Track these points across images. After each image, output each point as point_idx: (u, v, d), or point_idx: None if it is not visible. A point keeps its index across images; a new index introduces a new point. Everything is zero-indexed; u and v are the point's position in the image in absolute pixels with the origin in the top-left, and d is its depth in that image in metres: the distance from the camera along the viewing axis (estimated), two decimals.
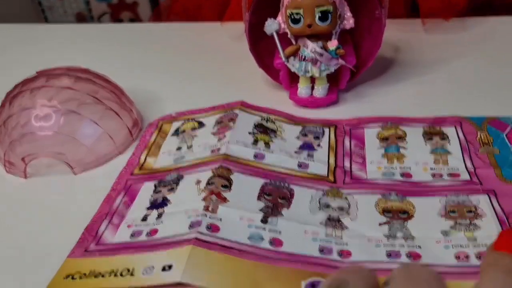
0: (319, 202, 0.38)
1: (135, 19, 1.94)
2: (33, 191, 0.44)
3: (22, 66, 0.53)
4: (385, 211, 0.37)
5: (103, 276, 0.33)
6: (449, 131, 0.44)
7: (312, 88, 0.51)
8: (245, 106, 0.49)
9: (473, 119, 0.45)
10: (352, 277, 0.24)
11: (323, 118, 0.49)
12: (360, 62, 0.51)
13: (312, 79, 0.50)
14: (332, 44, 0.46)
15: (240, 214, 0.36)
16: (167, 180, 0.42)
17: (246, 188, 0.39)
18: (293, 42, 0.48)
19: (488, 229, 0.34)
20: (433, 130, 0.44)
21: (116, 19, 1.96)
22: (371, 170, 0.41)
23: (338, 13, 0.46)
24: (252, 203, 0.37)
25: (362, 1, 0.49)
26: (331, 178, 0.41)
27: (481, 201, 0.36)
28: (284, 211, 0.37)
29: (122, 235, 0.37)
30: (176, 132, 0.49)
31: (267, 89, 0.55)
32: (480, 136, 0.43)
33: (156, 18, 1.00)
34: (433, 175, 0.40)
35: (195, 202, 0.37)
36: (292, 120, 0.49)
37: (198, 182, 0.40)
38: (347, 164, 0.42)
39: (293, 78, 0.51)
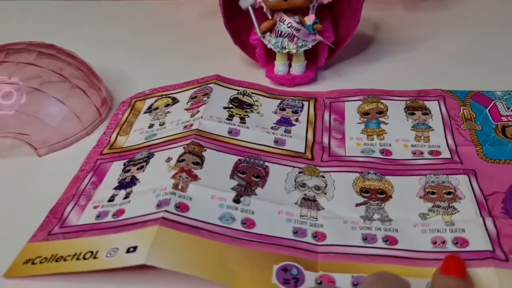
0: (295, 181, 0.36)
1: None
2: None
3: None
4: (362, 191, 0.35)
5: (65, 260, 0.31)
6: (432, 105, 0.42)
7: (290, 65, 0.48)
8: (220, 80, 0.47)
9: (456, 93, 0.43)
10: None
11: (302, 91, 0.47)
12: (338, 38, 0.49)
13: (289, 56, 0.48)
14: (309, 19, 0.44)
15: (211, 193, 0.34)
16: (137, 158, 0.40)
17: (218, 166, 0.37)
18: (269, 17, 0.46)
19: (466, 213, 0.33)
20: (415, 104, 0.43)
21: None
22: (350, 146, 0.40)
23: None
24: (225, 181, 0.36)
25: None
26: (308, 155, 0.39)
27: (461, 182, 0.35)
28: (258, 190, 0.35)
29: (87, 216, 0.35)
30: (149, 109, 0.47)
31: (243, 67, 0.53)
32: (463, 112, 0.41)
33: None
34: (414, 153, 0.38)
35: (164, 180, 0.35)
36: (270, 93, 0.47)
37: (169, 159, 0.38)
38: (325, 140, 0.41)
39: (270, 56, 0.49)
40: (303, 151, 0.39)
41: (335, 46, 0.49)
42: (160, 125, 0.44)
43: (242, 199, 0.34)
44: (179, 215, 0.32)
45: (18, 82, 0.41)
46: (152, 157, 0.39)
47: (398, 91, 0.45)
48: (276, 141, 0.40)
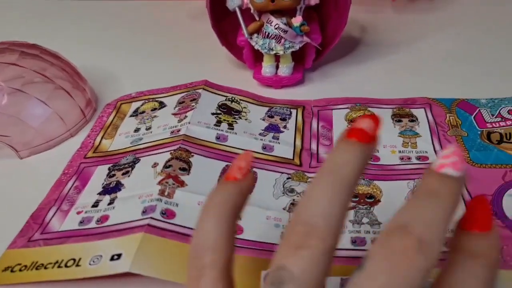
0: (283, 186, 0.36)
1: None
2: None
3: None
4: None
5: (45, 267, 0.30)
6: (418, 112, 0.43)
7: (277, 67, 0.48)
8: (209, 85, 0.47)
9: (442, 101, 0.43)
10: (298, 264, 0.18)
11: (290, 99, 0.47)
12: (326, 40, 0.49)
13: (277, 58, 0.48)
14: (296, 20, 0.44)
15: (198, 199, 0.34)
16: (122, 163, 0.39)
17: (205, 172, 0.36)
18: (257, 18, 0.46)
19: (455, 216, 0.32)
20: (402, 112, 0.43)
21: None
22: None
23: None
24: (212, 187, 0.35)
25: None
26: (296, 161, 0.39)
27: None
28: None
29: (70, 222, 0.34)
30: (135, 113, 0.46)
31: (230, 68, 0.53)
32: (449, 119, 0.41)
33: None
34: (401, 158, 0.38)
35: (150, 186, 0.35)
36: (259, 101, 0.46)
37: (155, 165, 0.37)
38: (314, 146, 0.40)
39: (257, 57, 0.49)
40: (291, 157, 0.39)
41: (323, 48, 0.49)
42: (147, 129, 0.43)
43: None
44: (165, 221, 0.32)
45: None
46: (138, 162, 0.38)
47: (385, 99, 0.45)
48: (264, 147, 0.40)
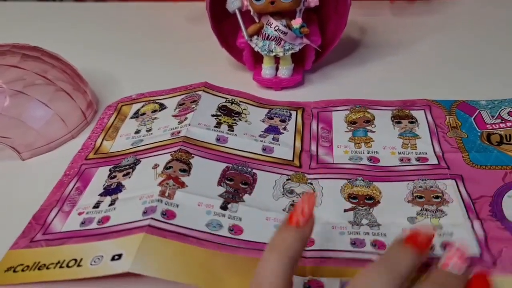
0: (283, 188, 0.36)
1: None
2: None
3: None
4: (350, 197, 0.35)
5: (47, 268, 0.30)
6: (418, 114, 0.43)
7: (277, 68, 0.49)
8: (209, 87, 0.47)
9: (441, 103, 0.44)
10: None
11: (290, 101, 0.47)
12: (326, 42, 0.49)
13: (277, 59, 0.48)
14: (296, 22, 0.44)
15: (199, 200, 0.34)
16: (123, 164, 0.39)
17: (206, 173, 0.37)
18: (256, 20, 0.46)
19: (454, 216, 0.33)
20: (401, 114, 0.43)
21: None
22: (338, 154, 0.40)
23: None
24: (212, 188, 0.35)
25: None
26: (296, 162, 0.39)
27: (448, 187, 0.35)
28: (246, 197, 0.35)
29: (72, 223, 0.34)
30: (136, 115, 0.46)
31: (230, 70, 0.53)
32: (449, 120, 0.42)
33: None
34: (401, 160, 0.38)
35: (150, 187, 0.35)
36: (259, 102, 0.46)
37: (156, 166, 0.37)
38: (313, 148, 0.41)
39: (257, 59, 0.49)
40: (291, 159, 0.39)
41: (322, 50, 0.49)
42: (147, 131, 0.43)
43: (229, 205, 0.34)
44: (165, 222, 0.32)
45: (1, 85, 0.41)
46: (139, 163, 0.39)
47: (385, 101, 0.45)
48: (264, 149, 0.40)
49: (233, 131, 0.42)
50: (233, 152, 0.39)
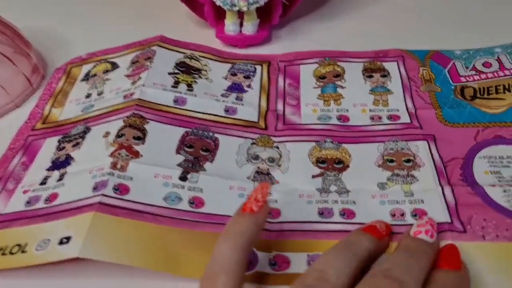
0: (247, 153, 0.34)
1: None
2: None
3: None
4: (319, 161, 0.33)
5: None
6: (391, 66, 0.40)
7: (241, 24, 0.44)
8: (165, 41, 0.43)
9: (415, 53, 0.41)
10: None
11: (255, 54, 0.43)
12: None
13: (241, 15, 0.44)
14: None
15: (155, 171, 0.31)
16: (73, 134, 0.35)
17: (162, 140, 0.34)
18: None
19: (425, 182, 0.31)
20: (373, 66, 0.40)
21: None
22: (306, 113, 0.37)
23: None
24: (170, 157, 0.33)
25: None
26: (261, 124, 0.36)
27: (420, 148, 0.33)
28: (207, 165, 0.33)
29: (16, 203, 0.31)
30: (86, 77, 0.42)
31: (190, 27, 0.48)
32: (422, 73, 0.39)
33: None
34: (372, 118, 0.36)
35: (101, 159, 0.32)
36: (221, 57, 0.43)
37: (107, 134, 0.34)
38: (280, 107, 0.38)
39: (220, 14, 0.45)
40: (256, 120, 0.37)
41: (290, 3, 0.45)
42: (98, 94, 0.39)
43: (189, 176, 0.31)
44: (118, 198, 0.29)
45: None
46: (89, 132, 0.35)
47: (356, 52, 0.42)
48: (226, 110, 0.37)
49: (192, 90, 0.38)
50: (193, 115, 0.36)
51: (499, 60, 0.39)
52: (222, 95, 0.38)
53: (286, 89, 0.39)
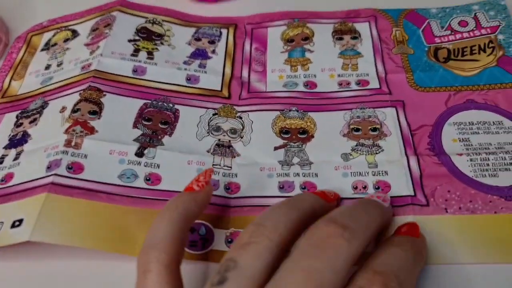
0: (208, 125, 0.33)
1: None
2: None
3: None
4: (282, 132, 0.32)
5: None
6: (362, 27, 0.38)
7: None
8: (125, 5, 0.40)
9: (389, 12, 0.39)
10: (244, 256, 0.21)
11: (221, 16, 0.41)
12: None
13: None
14: None
15: (110, 147, 0.30)
16: (30, 109, 0.34)
17: (119, 113, 0.32)
18: None
19: (391, 152, 0.30)
20: (344, 27, 0.38)
21: None
22: (272, 80, 0.36)
23: None
24: (126, 132, 0.31)
25: None
26: (225, 93, 0.35)
27: (388, 116, 0.32)
28: (166, 139, 0.32)
29: None
30: (46, 46, 0.40)
31: None
32: (395, 34, 0.37)
33: None
34: (340, 84, 0.35)
35: (56, 136, 0.31)
36: (185, 20, 0.40)
37: (63, 109, 0.33)
38: (245, 73, 0.36)
39: None
40: (219, 89, 0.35)
41: None
42: (58, 65, 0.37)
43: (146, 151, 0.31)
44: (71, 177, 0.28)
45: None
46: (46, 107, 0.34)
47: (327, 12, 0.39)
48: (188, 79, 0.36)
49: (153, 59, 0.36)
50: (153, 85, 0.35)
51: (476, 18, 0.37)
52: (185, 63, 0.37)
53: (253, 54, 0.38)
